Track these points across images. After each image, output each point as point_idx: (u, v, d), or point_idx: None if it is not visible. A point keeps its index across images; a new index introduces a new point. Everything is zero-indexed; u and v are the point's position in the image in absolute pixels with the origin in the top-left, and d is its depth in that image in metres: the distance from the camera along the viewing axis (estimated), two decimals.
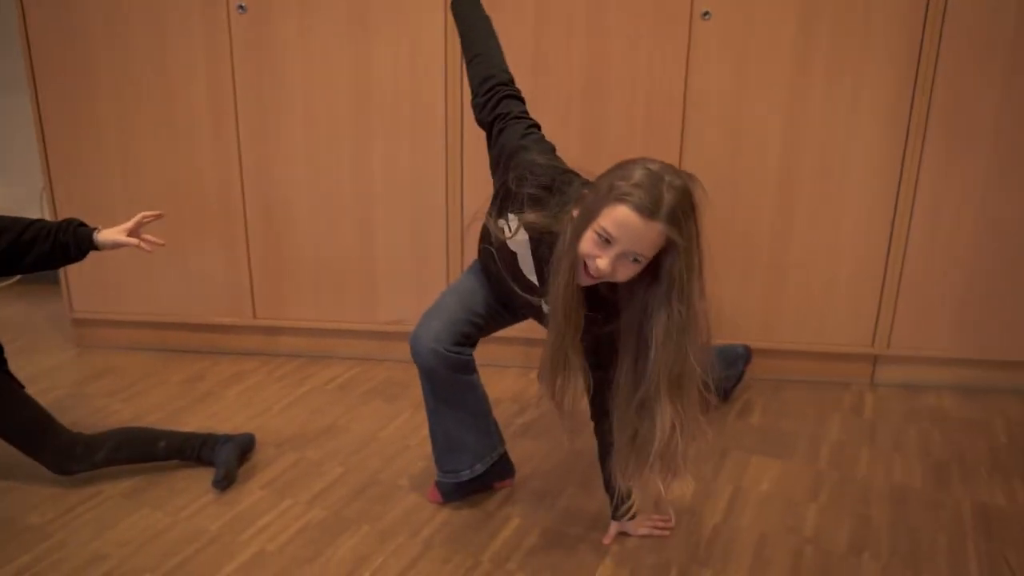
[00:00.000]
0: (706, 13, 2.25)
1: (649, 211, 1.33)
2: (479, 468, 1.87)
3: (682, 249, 1.36)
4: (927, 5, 2.19)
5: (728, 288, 2.47)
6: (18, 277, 3.43)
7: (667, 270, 1.39)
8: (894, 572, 1.69)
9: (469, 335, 1.74)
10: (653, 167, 1.37)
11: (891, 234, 2.39)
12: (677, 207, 1.34)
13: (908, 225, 2.38)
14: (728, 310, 2.48)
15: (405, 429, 2.29)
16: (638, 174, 1.35)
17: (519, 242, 1.61)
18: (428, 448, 1.91)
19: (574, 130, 2.39)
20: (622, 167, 1.40)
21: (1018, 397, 2.50)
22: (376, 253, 2.60)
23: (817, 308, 2.49)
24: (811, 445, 2.22)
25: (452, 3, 1.89)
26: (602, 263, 1.37)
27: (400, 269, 2.61)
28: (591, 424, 1.73)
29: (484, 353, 1.85)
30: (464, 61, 1.80)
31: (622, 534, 1.80)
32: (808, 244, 2.43)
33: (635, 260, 1.38)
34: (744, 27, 2.27)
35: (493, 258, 1.70)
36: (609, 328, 1.53)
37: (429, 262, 2.59)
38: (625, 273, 1.40)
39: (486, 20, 1.82)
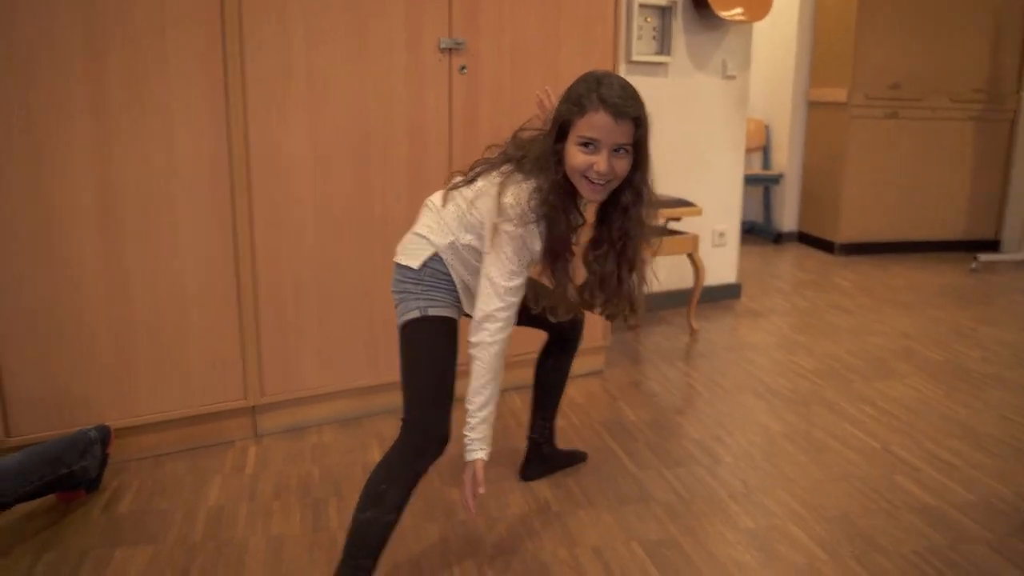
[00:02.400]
0: None
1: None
2: None
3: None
4: (224, 46, 2.19)
5: (71, 367, 2.15)
6: None
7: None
8: None
9: None
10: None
11: (238, 280, 2.33)
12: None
13: (252, 268, 2.34)
14: (76, 391, 2.16)
15: None
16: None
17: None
18: None
19: None
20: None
21: (391, 415, 2.66)
22: None
23: (177, 371, 2.30)
24: (186, 519, 2.02)
25: None
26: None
27: None
28: None
29: None
30: None
31: None
32: (152, 306, 2.23)
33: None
34: None
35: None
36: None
37: None
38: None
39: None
